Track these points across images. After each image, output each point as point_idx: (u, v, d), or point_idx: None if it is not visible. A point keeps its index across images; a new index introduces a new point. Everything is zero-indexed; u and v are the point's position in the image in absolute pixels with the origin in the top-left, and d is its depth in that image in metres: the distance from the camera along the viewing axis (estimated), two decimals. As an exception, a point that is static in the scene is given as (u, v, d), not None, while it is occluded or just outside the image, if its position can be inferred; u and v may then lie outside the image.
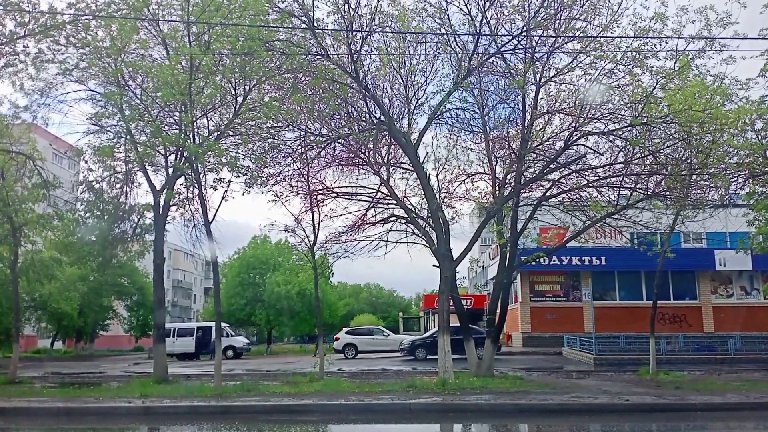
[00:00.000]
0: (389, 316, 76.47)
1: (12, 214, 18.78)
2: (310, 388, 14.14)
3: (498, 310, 18.44)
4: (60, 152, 38.67)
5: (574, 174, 16.71)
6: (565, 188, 17.03)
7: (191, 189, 17.87)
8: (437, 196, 18.16)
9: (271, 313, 47.02)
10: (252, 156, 15.29)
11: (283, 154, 16.22)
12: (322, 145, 16.23)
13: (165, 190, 17.94)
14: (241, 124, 16.92)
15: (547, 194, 17.51)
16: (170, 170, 18.24)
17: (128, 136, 18.45)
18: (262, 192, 16.23)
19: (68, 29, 15.44)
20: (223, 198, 15.88)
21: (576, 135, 15.87)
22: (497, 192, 18.49)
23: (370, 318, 64.68)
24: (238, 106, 16.26)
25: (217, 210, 15.75)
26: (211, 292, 67.45)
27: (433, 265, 18.22)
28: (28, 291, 39.05)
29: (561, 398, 12.59)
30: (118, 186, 19.99)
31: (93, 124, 17.83)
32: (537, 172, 17.58)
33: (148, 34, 16.93)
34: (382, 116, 15.13)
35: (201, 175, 15.83)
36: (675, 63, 14.79)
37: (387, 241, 19.62)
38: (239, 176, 15.57)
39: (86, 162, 20.32)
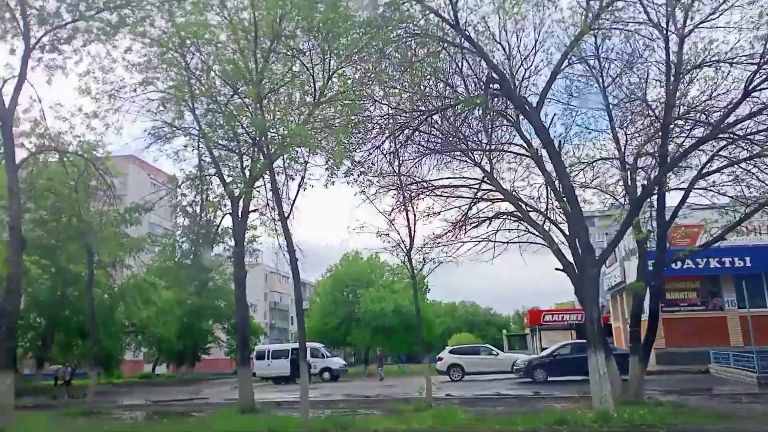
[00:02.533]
0: (487, 334, 72.42)
1: (86, 230, 17.50)
2: (419, 422, 11.34)
3: (646, 320, 14.86)
4: (157, 182, 39.03)
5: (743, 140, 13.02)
6: (734, 159, 13.31)
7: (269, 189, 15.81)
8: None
9: (366, 333, 44.86)
10: (336, 137, 12.84)
11: (371, 135, 13.67)
12: (415, 124, 13.54)
13: (242, 194, 15.98)
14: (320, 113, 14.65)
15: (703, 171, 13.88)
16: (246, 171, 16.34)
17: (201, 137, 16.86)
18: (348, 182, 13.83)
19: (131, 20, 13.75)
20: (300, 186, 13.70)
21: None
22: (629, 177, 15.14)
23: (467, 337, 61.16)
24: (317, 95, 14.03)
25: (294, 200, 13.70)
26: (308, 313, 66.55)
27: (557, 269, 15.12)
28: (127, 315, 39.18)
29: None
30: (195, 195, 18.52)
31: (165, 124, 16.16)
32: (683, 145, 14.06)
33: (218, 22, 15.18)
34: (492, 74, 12.21)
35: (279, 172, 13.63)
36: None
37: (495, 241, 16.61)
38: (323, 160, 13.23)
39: (179, 187, 19.43)
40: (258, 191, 16.84)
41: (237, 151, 16.40)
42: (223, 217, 18.55)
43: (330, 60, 13.63)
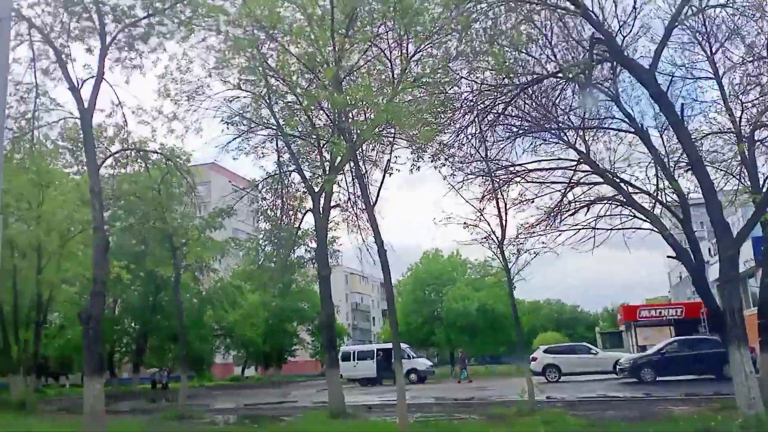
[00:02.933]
0: (574, 333, 69.44)
1: (172, 233, 17.41)
2: (528, 428, 10.17)
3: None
4: (238, 187, 39.65)
5: None
6: None
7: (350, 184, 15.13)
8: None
9: (451, 332, 43.75)
10: (420, 116, 11.81)
11: (457, 115, 12.55)
12: (505, 100, 12.32)
13: (323, 188, 15.33)
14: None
15: None
16: (326, 165, 15.69)
17: (279, 133, 16.37)
18: (435, 167, 12.82)
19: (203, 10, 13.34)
20: (385, 171, 12.87)
21: None
22: (747, 150, 13.35)
23: (554, 336, 58.65)
24: (397, 81, 13.12)
25: (380, 186, 12.79)
26: (386, 313, 66.13)
27: (669, 257, 13.55)
28: (215, 319, 40.01)
29: None
30: (275, 198, 18.15)
31: (243, 119, 15.78)
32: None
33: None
34: (596, 35, 10.82)
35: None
36: None
37: (596, 228, 15.06)
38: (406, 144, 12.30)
39: (260, 191, 19.35)
40: (339, 185, 16.18)
41: (316, 143, 15.74)
42: (303, 216, 18.00)
43: (408, 44, 12.73)
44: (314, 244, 18.63)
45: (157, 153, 13.44)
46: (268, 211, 19.33)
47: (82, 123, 11.54)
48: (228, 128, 16.24)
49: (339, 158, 14.05)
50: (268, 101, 15.80)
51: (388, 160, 13.20)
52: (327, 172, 16.01)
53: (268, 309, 46.82)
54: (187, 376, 20.14)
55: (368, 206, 11.67)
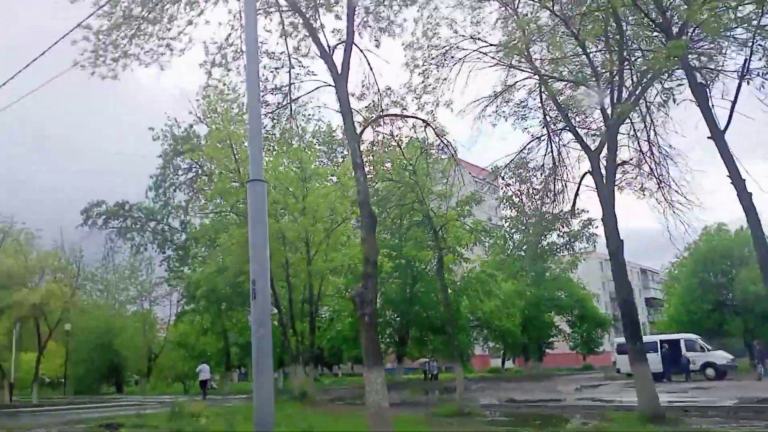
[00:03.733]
0: None
1: (431, 215, 16.03)
2: None
3: None
4: (479, 179, 38.16)
5: None
6: None
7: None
8: None
9: (749, 320, 36.39)
10: None
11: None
12: None
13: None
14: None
15: None
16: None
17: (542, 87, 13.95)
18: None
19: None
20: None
21: None
22: None
23: None
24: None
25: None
26: (664, 301, 58.45)
27: None
28: (470, 309, 38.88)
29: None
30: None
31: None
32: None
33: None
34: None
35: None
36: None
37: None
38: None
39: (503, 179, 17.75)
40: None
41: (595, 84, 12.93)
42: (581, 181, 15.21)
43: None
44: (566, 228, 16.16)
45: (416, 118, 12.07)
46: (513, 198, 17.74)
47: (337, 90, 10.51)
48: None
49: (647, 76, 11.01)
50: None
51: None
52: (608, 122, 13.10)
53: (523, 298, 44.48)
54: (448, 368, 18.76)
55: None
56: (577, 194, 14.79)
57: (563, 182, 14.88)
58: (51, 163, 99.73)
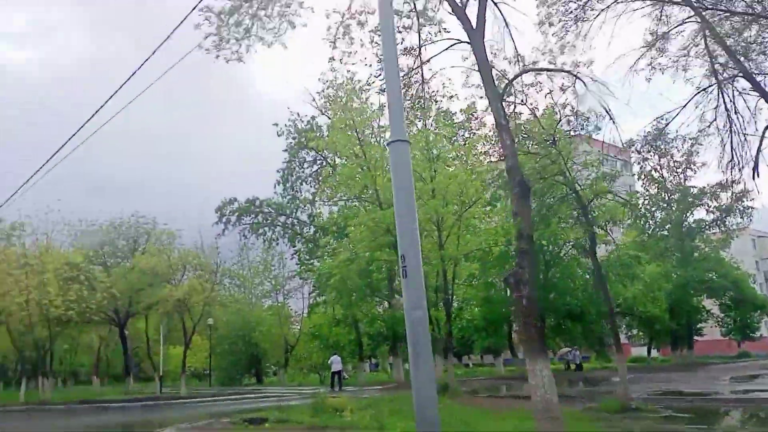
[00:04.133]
0: None
1: (577, 189, 14.34)
2: None
3: None
4: (610, 156, 35.11)
5: None
6: None
7: None
8: None
9: None
10: None
11: None
12: None
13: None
14: None
15: None
16: None
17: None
18: None
19: None
20: None
21: None
22: None
23: None
24: None
25: None
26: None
27: None
28: (612, 294, 35.86)
29: None
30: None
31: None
32: None
33: None
34: None
35: None
36: None
37: None
38: None
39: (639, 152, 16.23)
40: None
41: None
42: (763, 135, 12.79)
43: None
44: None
45: (564, 71, 10.51)
46: (653, 173, 16.00)
47: (473, 46, 9.31)
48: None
49: None
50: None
51: None
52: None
53: (670, 281, 40.44)
54: (584, 358, 16.84)
55: None
56: (759, 151, 12.43)
57: (742, 136, 12.53)
58: (190, 169, 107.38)
